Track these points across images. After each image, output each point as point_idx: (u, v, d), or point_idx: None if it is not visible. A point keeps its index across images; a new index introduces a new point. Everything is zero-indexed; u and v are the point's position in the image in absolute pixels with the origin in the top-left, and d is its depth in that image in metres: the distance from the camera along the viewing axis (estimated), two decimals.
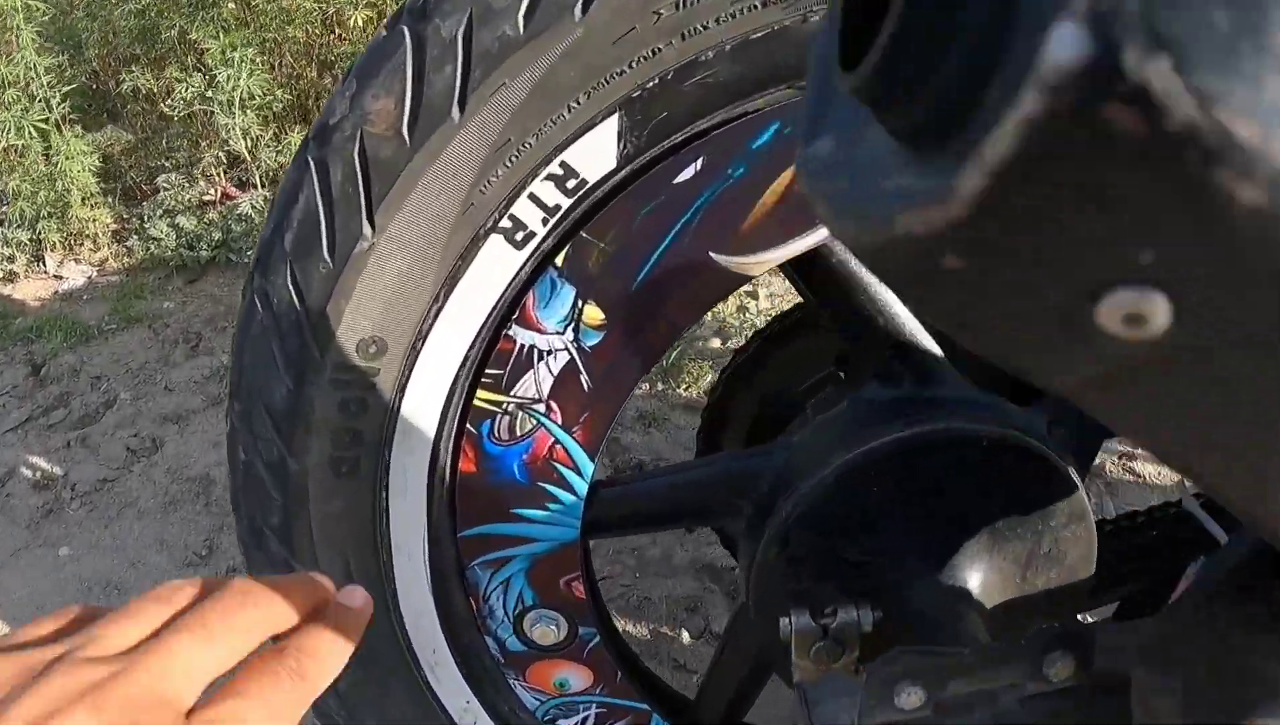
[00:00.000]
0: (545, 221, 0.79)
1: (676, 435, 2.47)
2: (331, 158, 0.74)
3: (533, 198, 0.78)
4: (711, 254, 0.82)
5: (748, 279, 0.84)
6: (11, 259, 4.18)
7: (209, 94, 3.97)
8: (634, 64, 0.74)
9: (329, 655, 0.49)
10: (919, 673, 0.70)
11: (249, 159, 4.04)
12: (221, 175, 4.39)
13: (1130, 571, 1.05)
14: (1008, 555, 0.87)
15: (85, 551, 2.31)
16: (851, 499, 0.87)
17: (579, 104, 0.76)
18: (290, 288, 0.76)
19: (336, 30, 4.45)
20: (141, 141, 4.83)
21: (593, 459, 0.88)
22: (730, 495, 0.94)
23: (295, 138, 4.08)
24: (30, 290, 4.01)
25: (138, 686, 0.41)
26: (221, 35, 3.99)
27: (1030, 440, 0.87)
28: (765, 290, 3.28)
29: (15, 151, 4.35)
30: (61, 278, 4.06)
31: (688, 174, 0.79)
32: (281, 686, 0.47)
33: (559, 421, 0.86)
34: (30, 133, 4.12)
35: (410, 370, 0.82)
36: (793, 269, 0.91)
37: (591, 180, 0.78)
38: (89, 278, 4.01)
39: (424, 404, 0.84)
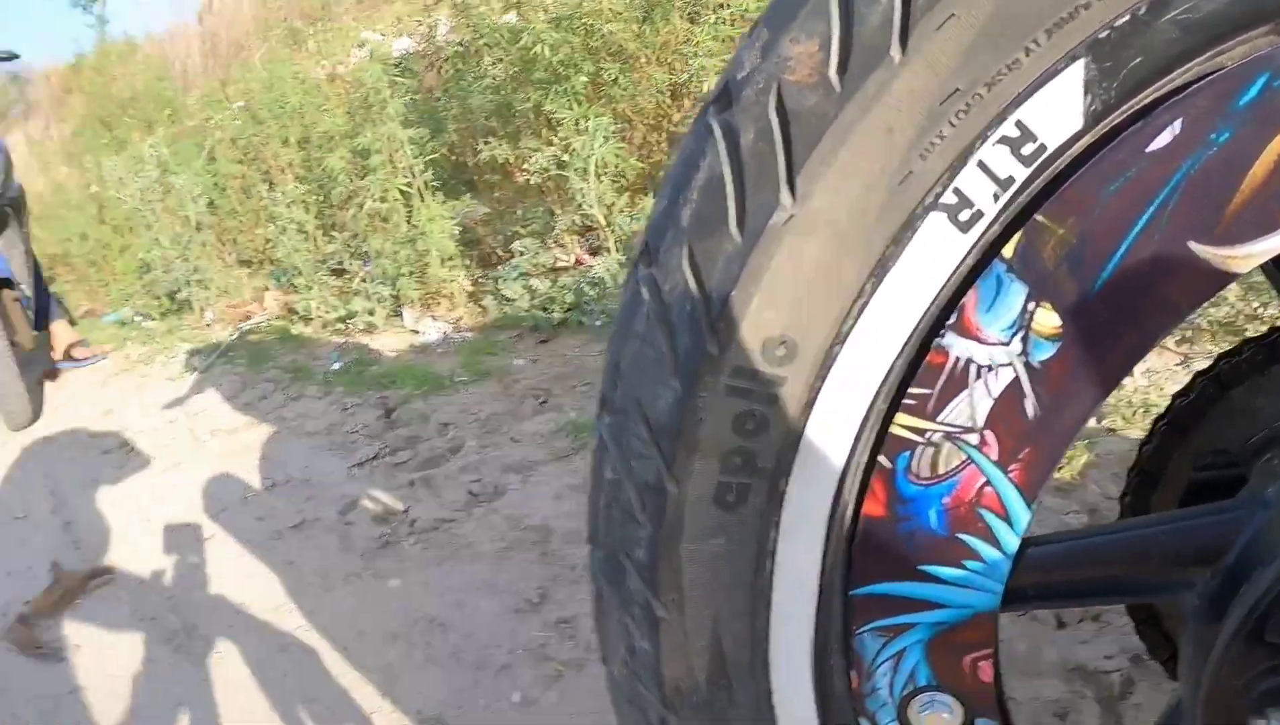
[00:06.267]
0: (996, 197, 0.63)
1: None
2: (740, 117, 0.62)
3: (982, 166, 0.63)
4: (1191, 244, 0.63)
5: (1232, 279, 0.65)
6: (372, 312, 4.51)
7: (565, 158, 4.10)
8: None
9: None
10: None
11: (603, 224, 4.12)
12: (574, 242, 4.52)
13: None
14: None
15: (415, 586, 2.33)
16: None
17: (1038, 45, 0.60)
18: (687, 271, 0.64)
19: (686, 99, 4.52)
20: (497, 210, 5.11)
21: (1030, 507, 0.71)
22: (1182, 561, 0.75)
23: (648, 203, 4.15)
24: (388, 342, 4.27)
25: None
26: (575, 106, 4.12)
27: None
28: None
29: (379, 216, 4.68)
30: (418, 332, 4.30)
31: (1163, 140, 0.62)
32: None
33: (994, 457, 0.69)
34: (395, 196, 4.43)
35: (822, 382, 0.67)
36: (1276, 269, 0.71)
37: (1052, 146, 0.62)
38: (443, 333, 4.21)
39: (834, 426, 0.69)
